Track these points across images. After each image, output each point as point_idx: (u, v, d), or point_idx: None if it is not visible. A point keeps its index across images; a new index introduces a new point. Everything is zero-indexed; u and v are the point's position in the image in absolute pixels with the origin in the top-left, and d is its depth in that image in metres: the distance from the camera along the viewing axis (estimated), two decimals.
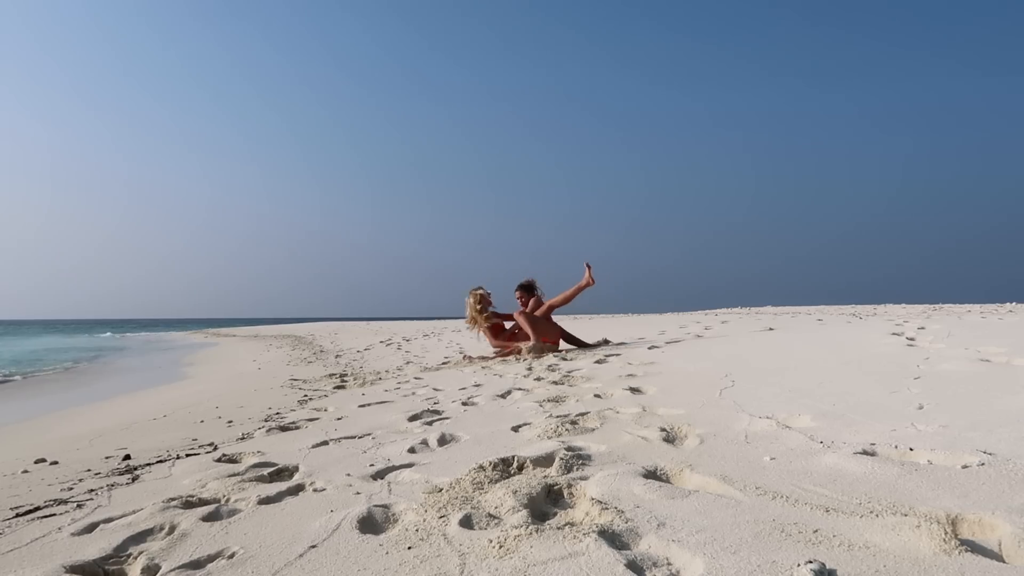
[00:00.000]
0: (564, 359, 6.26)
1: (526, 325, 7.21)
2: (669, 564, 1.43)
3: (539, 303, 7.49)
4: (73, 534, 2.01)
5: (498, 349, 7.39)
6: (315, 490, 2.28)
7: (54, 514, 2.28)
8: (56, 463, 3.31)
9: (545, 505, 1.91)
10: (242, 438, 3.61)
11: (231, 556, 1.71)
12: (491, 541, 1.59)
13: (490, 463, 2.26)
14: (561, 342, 7.43)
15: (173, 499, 2.24)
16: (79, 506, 2.36)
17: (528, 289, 7.74)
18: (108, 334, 36.37)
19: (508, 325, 7.64)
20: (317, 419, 4.02)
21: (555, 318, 7.68)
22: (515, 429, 3.03)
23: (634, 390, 3.96)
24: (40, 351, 15.53)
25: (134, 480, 2.75)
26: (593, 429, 2.89)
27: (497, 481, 2.12)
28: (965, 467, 1.93)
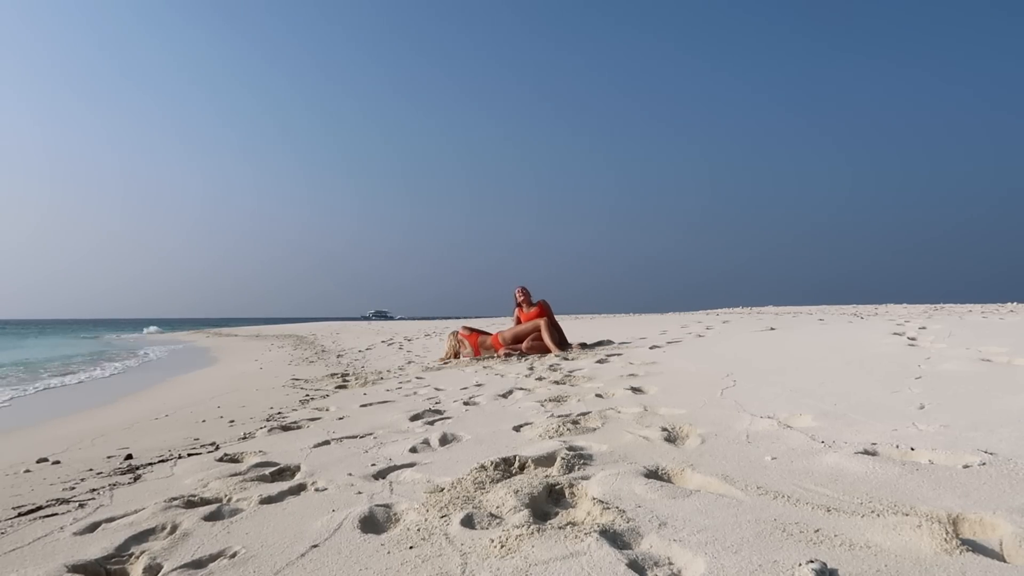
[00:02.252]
0: (566, 359, 6.26)
1: (546, 333, 7.44)
2: (671, 564, 1.43)
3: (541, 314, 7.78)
4: (75, 533, 2.01)
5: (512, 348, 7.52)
6: (317, 490, 2.28)
7: (56, 513, 2.28)
8: (58, 462, 3.32)
9: (547, 505, 1.92)
10: (244, 438, 3.62)
11: (233, 555, 1.71)
12: (493, 541, 1.59)
13: (491, 463, 2.27)
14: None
15: (175, 498, 2.25)
16: (81, 505, 2.36)
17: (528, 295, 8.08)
18: (101, 336, 35.43)
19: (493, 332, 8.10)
20: (319, 419, 4.02)
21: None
22: (516, 429, 3.04)
23: (635, 390, 3.96)
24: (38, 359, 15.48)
25: (136, 479, 2.75)
26: (594, 429, 2.89)
27: (499, 481, 2.12)
28: (966, 467, 1.94)
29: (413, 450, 2.79)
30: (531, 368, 5.73)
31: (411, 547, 1.64)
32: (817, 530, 1.53)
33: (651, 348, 6.59)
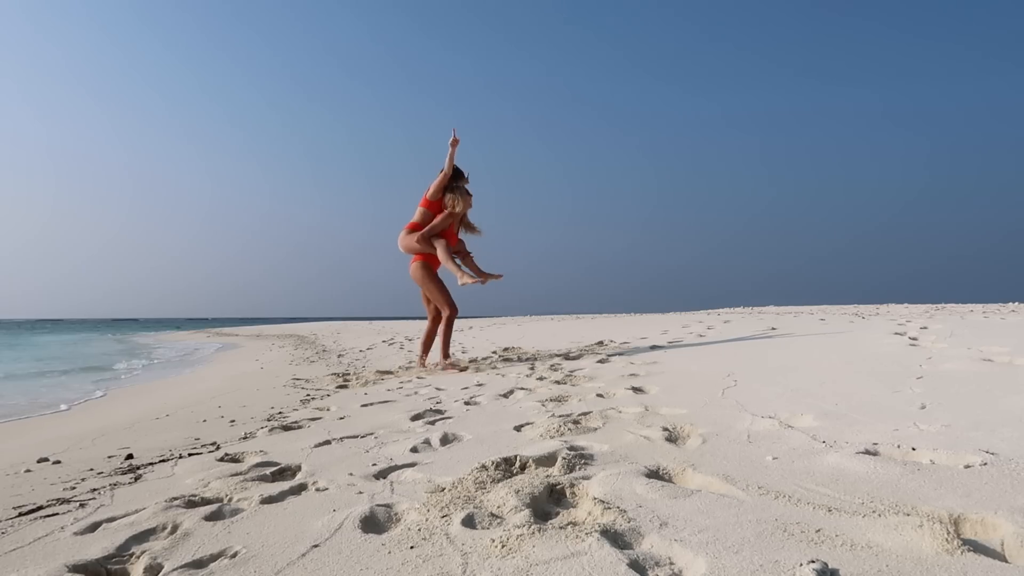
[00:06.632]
0: (567, 358, 6.26)
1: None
2: (671, 564, 1.43)
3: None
4: (76, 533, 2.01)
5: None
6: (318, 489, 2.28)
7: (56, 513, 2.28)
8: (59, 462, 3.32)
9: (547, 505, 1.91)
10: (244, 437, 3.61)
11: (233, 555, 1.71)
12: (494, 541, 1.59)
13: (492, 463, 2.26)
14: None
15: (176, 498, 2.24)
16: (82, 505, 2.36)
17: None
18: (101, 337, 34.81)
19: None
20: (319, 418, 4.02)
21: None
22: (517, 428, 3.03)
23: (636, 390, 3.96)
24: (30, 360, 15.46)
25: (136, 479, 2.75)
26: (595, 429, 2.89)
27: (499, 481, 2.12)
28: (968, 467, 1.93)
29: (414, 450, 2.78)
30: (532, 368, 5.73)
31: (412, 547, 1.64)
32: (818, 530, 1.53)
33: (652, 348, 6.59)
